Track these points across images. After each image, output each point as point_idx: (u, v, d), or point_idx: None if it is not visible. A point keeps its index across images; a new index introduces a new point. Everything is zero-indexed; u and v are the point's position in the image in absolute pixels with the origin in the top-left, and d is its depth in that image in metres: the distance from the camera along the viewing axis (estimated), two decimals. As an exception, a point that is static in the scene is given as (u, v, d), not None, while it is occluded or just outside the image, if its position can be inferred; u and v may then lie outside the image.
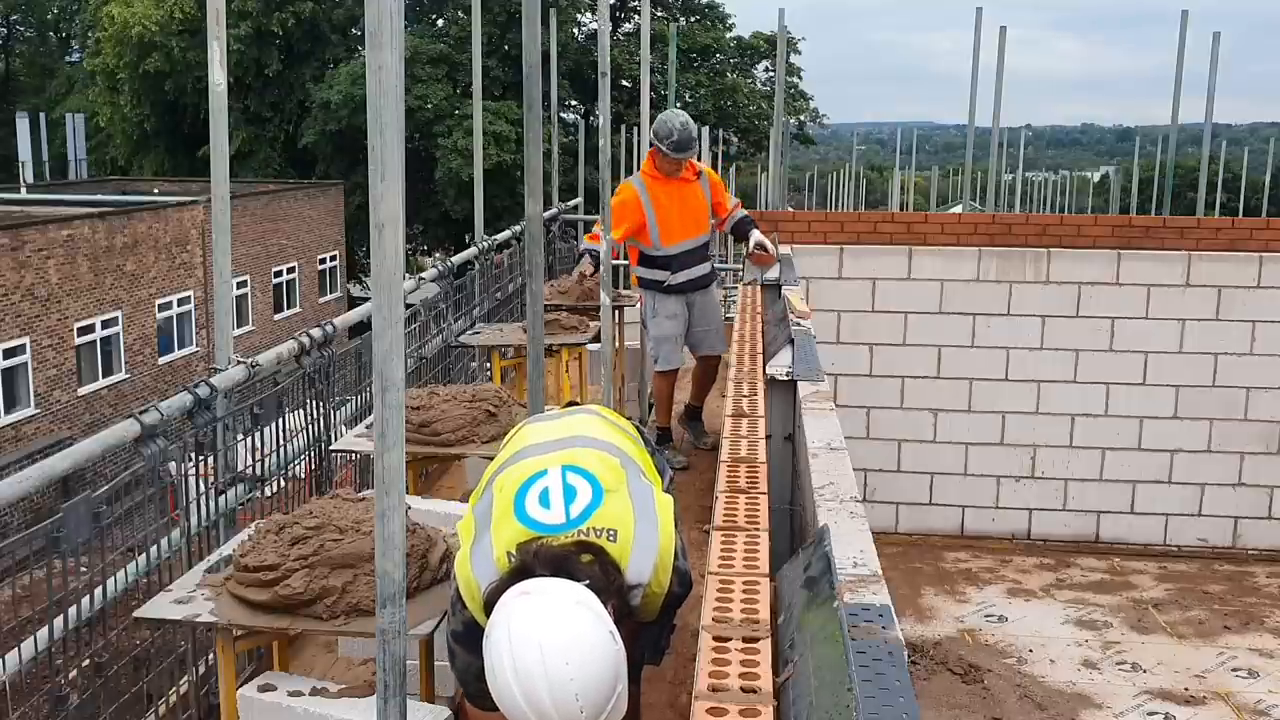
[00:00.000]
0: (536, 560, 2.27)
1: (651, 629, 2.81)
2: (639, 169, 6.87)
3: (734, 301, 9.26)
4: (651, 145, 6.45)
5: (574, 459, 2.54)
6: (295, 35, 35.96)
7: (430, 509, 3.68)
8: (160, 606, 2.99)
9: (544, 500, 2.45)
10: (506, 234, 9.90)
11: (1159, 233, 9.61)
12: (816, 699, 1.91)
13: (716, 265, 7.77)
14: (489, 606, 2.23)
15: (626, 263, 7.03)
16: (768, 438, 3.73)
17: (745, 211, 6.80)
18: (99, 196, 26.48)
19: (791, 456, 4.12)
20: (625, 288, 8.23)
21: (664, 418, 6.81)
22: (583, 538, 2.38)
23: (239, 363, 4.55)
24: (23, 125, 31.57)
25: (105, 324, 21.77)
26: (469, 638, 2.40)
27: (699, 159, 7.83)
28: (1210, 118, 11.11)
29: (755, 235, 6.59)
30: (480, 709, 2.53)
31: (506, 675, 2.09)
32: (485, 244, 9.04)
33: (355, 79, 32.52)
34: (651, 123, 6.61)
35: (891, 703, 1.78)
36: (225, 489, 4.35)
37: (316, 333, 5.08)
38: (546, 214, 11.15)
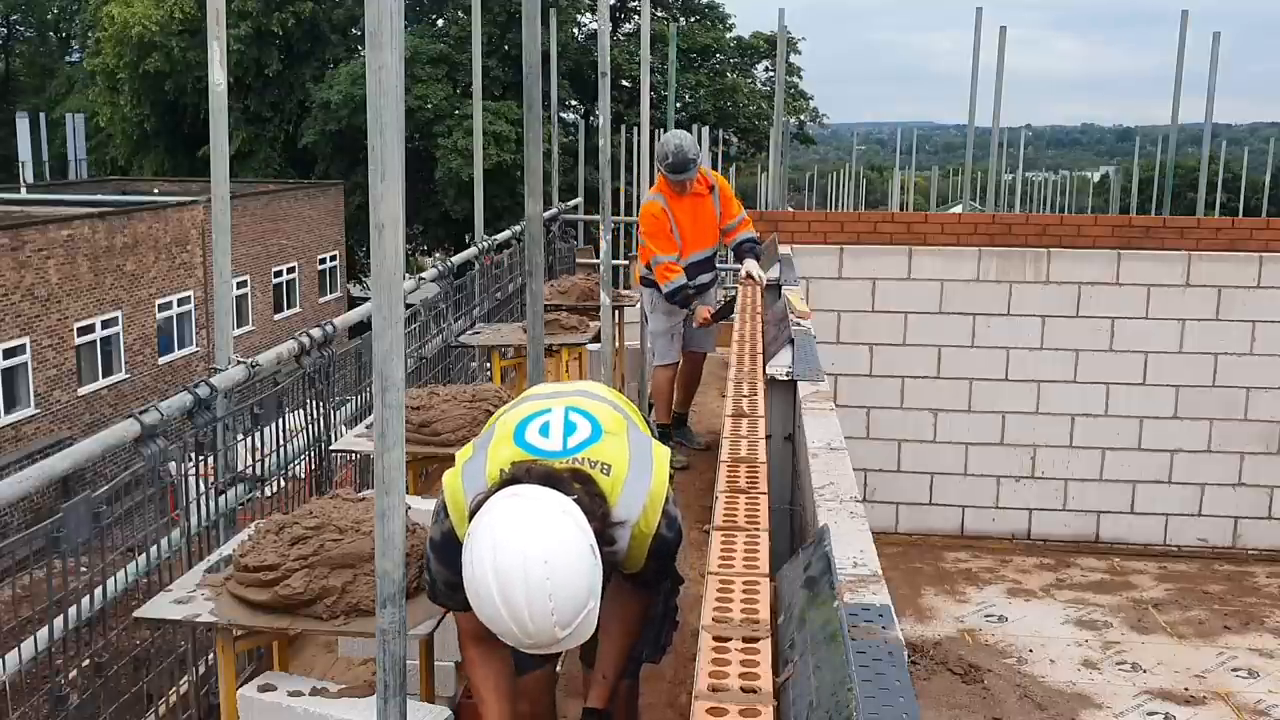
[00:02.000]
0: (529, 477, 2.30)
1: (652, 625, 2.82)
2: (652, 184, 6.90)
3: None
4: None
5: (577, 403, 2.59)
6: (295, 35, 35.94)
7: (430, 509, 3.67)
8: (160, 606, 2.99)
9: (544, 430, 2.49)
10: (506, 234, 9.91)
11: (1159, 233, 9.61)
12: (816, 699, 1.91)
13: (718, 265, 7.77)
14: (474, 514, 2.27)
15: (626, 263, 7.04)
16: (768, 438, 3.73)
17: (752, 233, 6.78)
18: (99, 196, 26.46)
19: (791, 456, 4.11)
20: (625, 287, 8.23)
21: (663, 414, 6.82)
22: (577, 465, 2.40)
23: (239, 363, 4.55)
24: (23, 125, 31.55)
25: (105, 324, 21.76)
26: (444, 547, 2.45)
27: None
28: (1210, 118, 11.11)
29: (748, 264, 6.59)
30: (443, 608, 2.62)
31: (485, 571, 2.14)
32: (485, 244, 9.04)
33: (355, 79, 32.49)
34: (651, 123, 6.64)
35: (891, 703, 1.78)
36: (225, 489, 4.35)
37: (316, 333, 5.08)
38: (546, 214, 11.15)
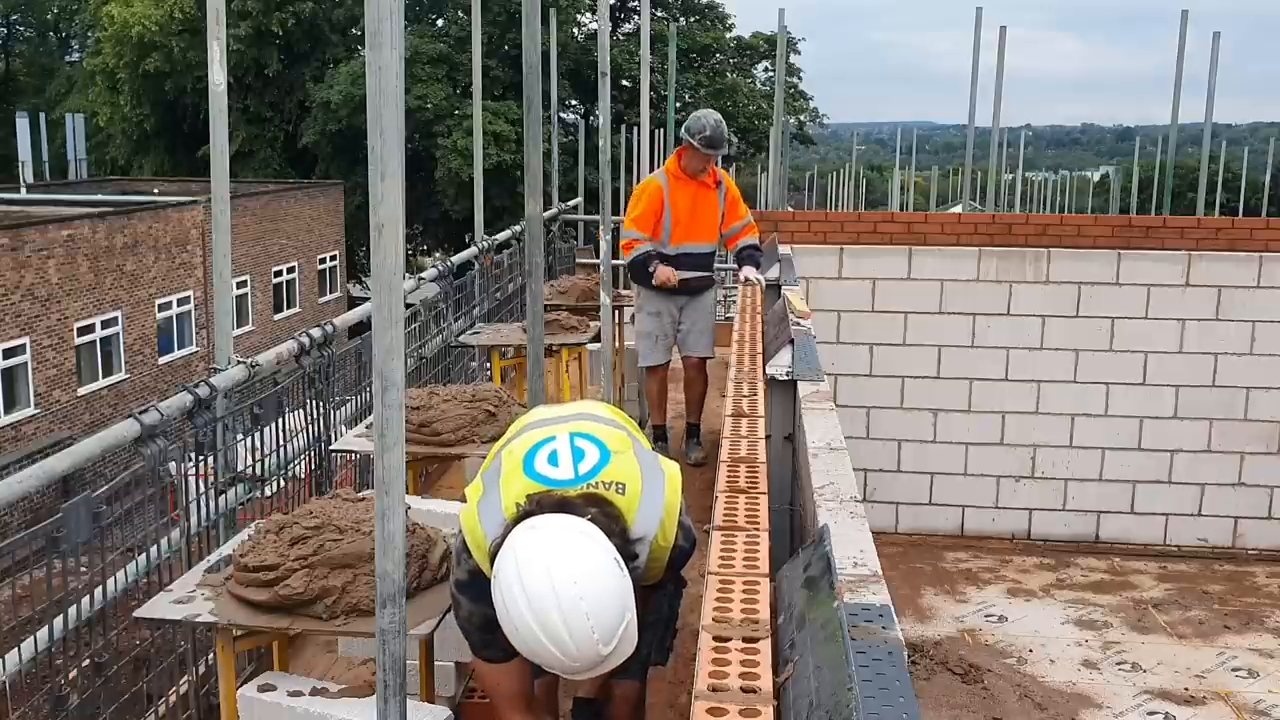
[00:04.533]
0: (543, 509, 2.31)
1: (657, 627, 2.82)
2: (662, 165, 6.81)
3: (734, 301, 9.26)
4: (681, 142, 6.42)
5: (581, 428, 2.60)
6: (295, 35, 35.95)
7: (430, 509, 3.68)
8: (160, 606, 2.99)
9: (553, 459, 2.50)
10: (506, 234, 9.90)
11: (1159, 233, 9.61)
12: (816, 699, 1.91)
13: (717, 264, 7.75)
14: (495, 554, 2.28)
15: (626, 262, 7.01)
16: (768, 438, 3.73)
17: (754, 239, 6.72)
18: (99, 196, 26.47)
19: (791, 456, 4.11)
20: (625, 288, 8.24)
21: (657, 415, 6.79)
22: (591, 490, 2.41)
23: (239, 363, 4.55)
24: (23, 125, 31.51)
25: (105, 324, 21.76)
26: (472, 585, 2.46)
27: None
28: (1210, 118, 11.12)
29: (746, 270, 6.52)
30: (485, 660, 2.59)
31: (519, 605, 2.14)
32: (485, 244, 9.05)
33: (355, 79, 32.51)
34: (651, 123, 6.63)
35: (891, 703, 1.78)
36: (225, 489, 4.35)
37: (316, 333, 5.08)
38: (546, 214, 11.16)
